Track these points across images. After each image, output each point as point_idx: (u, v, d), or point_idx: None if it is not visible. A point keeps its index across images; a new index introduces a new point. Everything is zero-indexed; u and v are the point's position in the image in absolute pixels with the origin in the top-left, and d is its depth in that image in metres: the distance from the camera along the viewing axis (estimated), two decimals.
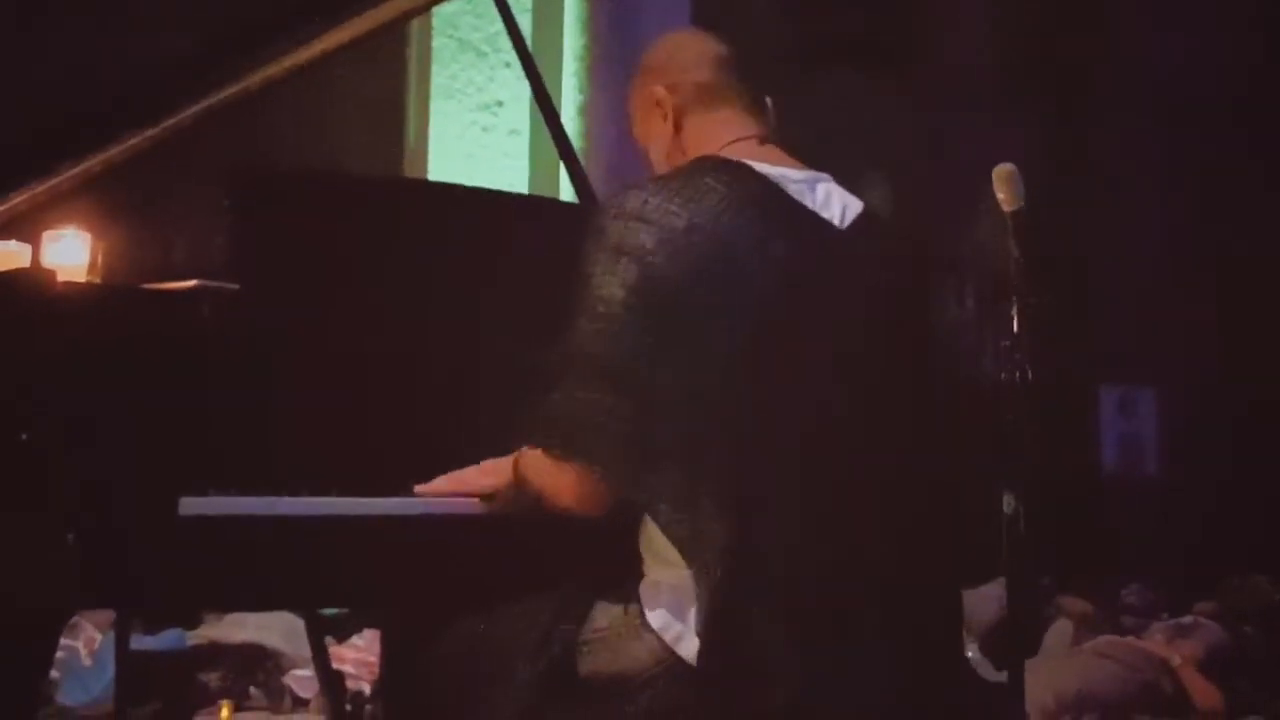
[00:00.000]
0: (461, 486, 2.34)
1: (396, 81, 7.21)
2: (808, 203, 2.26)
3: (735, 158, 2.27)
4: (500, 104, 6.83)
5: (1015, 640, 3.70)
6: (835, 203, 2.28)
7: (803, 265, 2.21)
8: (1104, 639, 5.52)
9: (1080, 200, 10.36)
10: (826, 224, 2.26)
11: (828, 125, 9.59)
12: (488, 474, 2.33)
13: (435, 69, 7.05)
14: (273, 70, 2.90)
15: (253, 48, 2.90)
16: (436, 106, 7.04)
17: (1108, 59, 10.88)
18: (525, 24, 6.99)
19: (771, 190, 2.23)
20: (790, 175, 2.27)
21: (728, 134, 2.33)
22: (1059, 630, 5.81)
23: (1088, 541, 7.49)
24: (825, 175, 2.32)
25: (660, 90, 2.41)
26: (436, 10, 6.02)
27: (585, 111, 6.96)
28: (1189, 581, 7.05)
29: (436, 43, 6.99)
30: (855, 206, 2.30)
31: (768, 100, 2.41)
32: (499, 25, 3.50)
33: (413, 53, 7.10)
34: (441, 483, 2.35)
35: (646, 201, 2.18)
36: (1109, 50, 10.88)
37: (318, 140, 6.73)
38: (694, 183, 2.21)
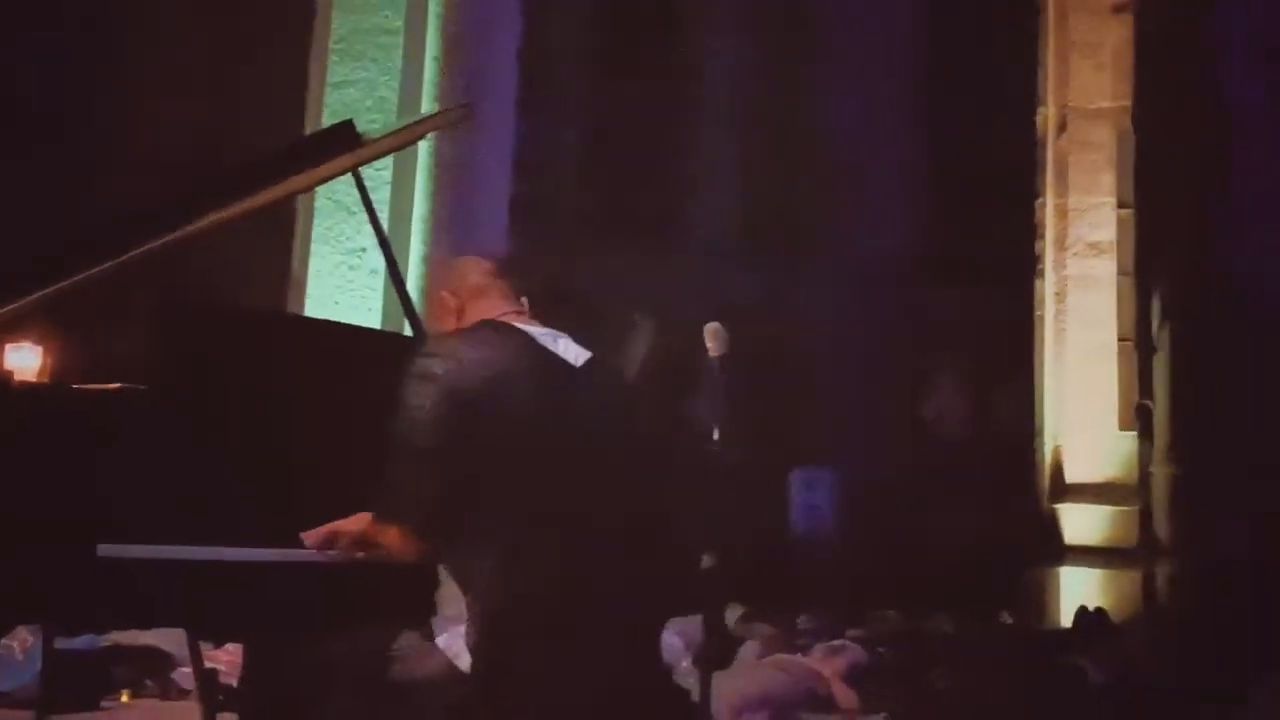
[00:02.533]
0: (338, 531, 2.36)
1: (287, 229, 7.18)
2: (551, 349, 2.39)
3: (502, 320, 2.42)
4: (364, 250, 6.86)
5: (710, 657, 3.81)
6: (571, 350, 2.42)
7: (550, 387, 2.34)
8: (779, 656, 5.57)
9: (787, 332, 10.64)
10: (565, 362, 2.39)
11: (616, 277, 9.78)
12: (354, 522, 2.35)
13: (316, 221, 7.06)
14: (201, 226, 2.87)
15: (184, 212, 2.88)
16: (315, 249, 7.05)
17: (813, 224, 11.21)
18: (386, 192, 7.09)
19: (527, 339, 2.38)
20: (539, 331, 2.41)
21: (494, 313, 2.46)
22: (748, 649, 5.83)
23: (776, 583, 7.59)
24: (564, 333, 2.45)
25: (446, 294, 2.56)
26: None
27: (427, 259, 7.05)
28: (844, 614, 7.19)
29: (318, 202, 7.01)
30: (585, 354, 2.43)
31: (524, 299, 2.54)
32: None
33: (300, 209, 7.10)
34: (325, 529, 2.37)
35: (441, 345, 2.37)
36: (815, 217, 11.22)
37: (226, 270, 6.67)
38: (475, 332, 2.39)
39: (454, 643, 2.20)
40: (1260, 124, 11.18)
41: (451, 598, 2.25)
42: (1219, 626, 7.30)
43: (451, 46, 7.48)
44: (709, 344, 3.58)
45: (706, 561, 3.40)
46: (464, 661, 2.18)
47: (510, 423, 2.25)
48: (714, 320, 3.67)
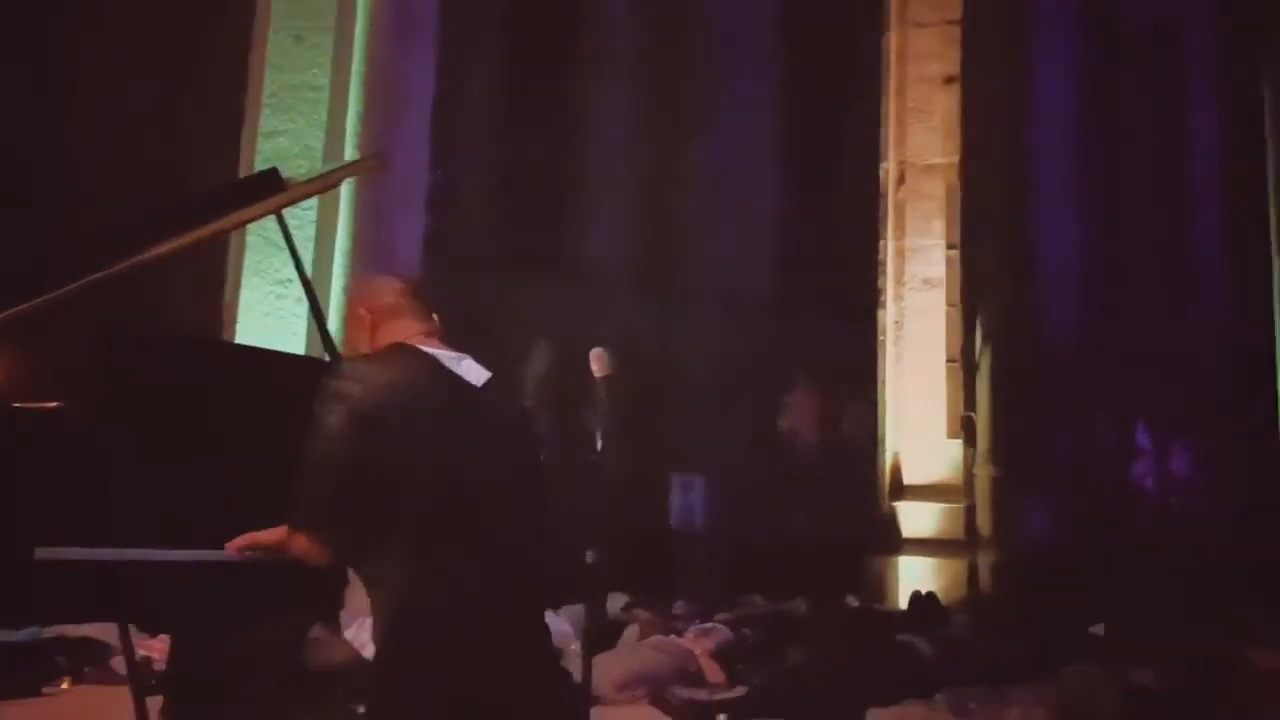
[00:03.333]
0: (256, 541, 2.29)
1: (222, 261, 7.03)
2: (455, 370, 2.32)
3: (410, 344, 2.34)
4: (290, 282, 6.71)
5: (594, 640, 3.81)
6: (473, 371, 2.34)
7: (451, 406, 2.27)
8: (657, 638, 5.53)
9: (667, 354, 10.67)
10: (467, 383, 2.32)
11: (518, 306, 9.73)
12: (271, 534, 2.28)
13: (247, 255, 6.92)
14: (142, 258, 2.78)
15: (127, 244, 2.79)
16: (246, 280, 6.89)
17: (691, 260, 11.27)
18: (311, 229, 6.98)
19: (433, 362, 2.30)
20: (444, 354, 2.33)
21: (406, 333, 2.37)
22: (630, 632, 5.80)
23: (656, 574, 7.57)
24: (467, 355, 2.37)
25: (362, 311, 2.45)
26: None
27: (347, 289, 6.96)
28: (715, 600, 7.18)
29: (249, 238, 6.87)
30: (486, 374, 2.35)
31: (434, 316, 2.45)
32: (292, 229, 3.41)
33: (233, 244, 6.94)
34: (245, 539, 2.30)
35: (353, 368, 2.26)
36: (693, 254, 11.28)
37: (167, 298, 6.49)
38: (384, 356, 2.30)
39: (360, 634, 2.16)
40: (1060, 180, 11.58)
41: (358, 594, 2.20)
42: (1031, 606, 7.53)
43: (371, 102, 7.41)
44: (594, 366, 3.62)
45: (590, 557, 3.42)
46: (369, 651, 2.13)
47: (413, 439, 2.18)
48: (599, 345, 3.70)
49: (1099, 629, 6.66)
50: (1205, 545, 10.71)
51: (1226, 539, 10.90)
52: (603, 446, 3.55)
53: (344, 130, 7.29)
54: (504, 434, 2.37)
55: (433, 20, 7.98)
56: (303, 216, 6.83)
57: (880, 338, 9.18)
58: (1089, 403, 11.79)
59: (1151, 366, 12.47)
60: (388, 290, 2.48)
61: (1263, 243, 11.12)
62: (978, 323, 9.16)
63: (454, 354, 2.37)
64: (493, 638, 2.17)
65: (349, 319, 2.53)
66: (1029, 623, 6.58)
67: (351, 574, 2.22)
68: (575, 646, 4.99)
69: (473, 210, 10.25)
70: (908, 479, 8.74)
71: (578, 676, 3.55)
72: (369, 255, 7.06)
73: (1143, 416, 12.28)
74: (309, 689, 2.20)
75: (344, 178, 4.72)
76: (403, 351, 2.32)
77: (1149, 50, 14.39)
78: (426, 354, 2.32)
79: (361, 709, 2.13)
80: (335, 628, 2.23)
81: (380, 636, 2.12)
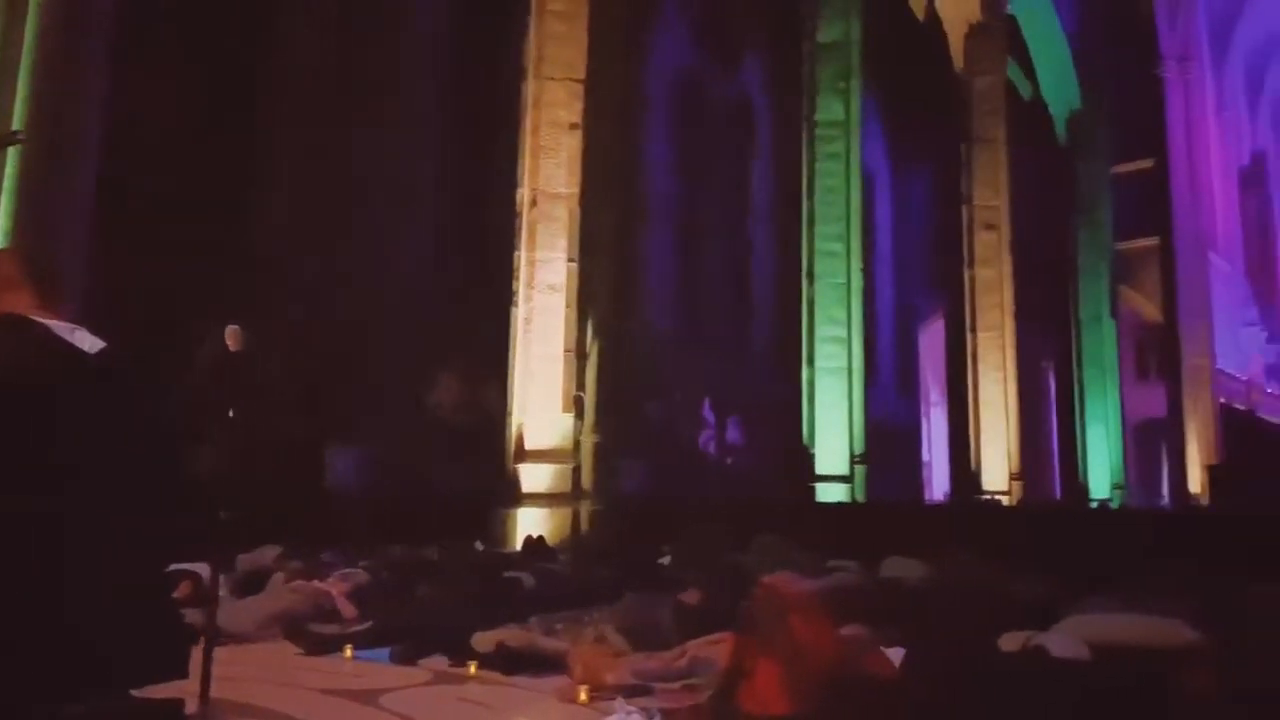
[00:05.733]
0: None
1: None
2: (66, 339, 2.14)
3: (19, 313, 2.14)
4: None
5: (216, 588, 3.58)
6: (86, 340, 2.17)
7: (62, 370, 2.09)
8: (298, 582, 5.34)
9: (336, 340, 10.24)
10: (80, 350, 2.15)
11: (199, 296, 8.93)
12: None
13: None
14: None
15: None
16: None
17: (360, 261, 10.86)
18: None
19: (44, 330, 2.11)
20: (56, 324, 2.15)
21: (18, 305, 2.17)
22: (276, 578, 5.53)
23: (310, 528, 7.26)
24: (81, 327, 2.19)
25: None
26: None
27: None
28: (361, 550, 6.96)
29: None
30: (99, 344, 2.18)
31: (56, 289, 2.25)
32: None
33: None
34: None
35: None
36: (362, 255, 10.87)
37: None
38: None
39: None
40: (661, 210, 12.28)
41: None
42: (618, 544, 7.89)
43: (38, 93, 6.55)
44: (229, 342, 3.40)
45: (224, 515, 3.22)
46: None
47: (17, 400, 1.97)
48: (265, 329, 3.49)
49: (666, 560, 7.06)
50: (749, 494, 11.79)
51: (764, 489, 12.05)
52: (233, 415, 3.35)
53: (10, 118, 6.40)
54: (117, 398, 2.19)
55: (108, 16, 7.14)
56: None
57: (513, 331, 9.34)
58: (672, 385, 12.63)
59: (717, 358, 13.57)
60: (5, 263, 2.25)
61: (796, 268, 12.36)
62: (589, 321, 9.56)
63: (67, 325, 2.17)
64: (98, 589, 2.00)
65: None
66: (614, 557, 6.85)
67: None
68: (223, 592, 4.71)
69: (147, 202, 9.32)
70: (529, 445, 8.97)
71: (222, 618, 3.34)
72: (31, 235, 6.23)
73: (708, 396, 13.33)
74: None
75: None
76: (11, 320, 2.11)
77: (727, 115, 15.62)
78: (36, 323, 2.12)
79: None
80: None
81: None
